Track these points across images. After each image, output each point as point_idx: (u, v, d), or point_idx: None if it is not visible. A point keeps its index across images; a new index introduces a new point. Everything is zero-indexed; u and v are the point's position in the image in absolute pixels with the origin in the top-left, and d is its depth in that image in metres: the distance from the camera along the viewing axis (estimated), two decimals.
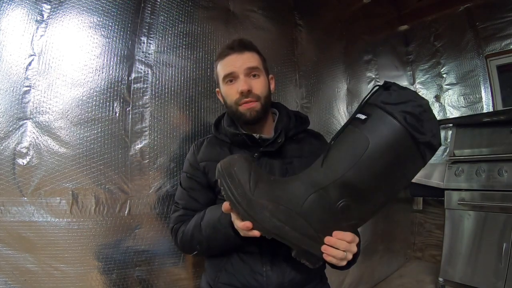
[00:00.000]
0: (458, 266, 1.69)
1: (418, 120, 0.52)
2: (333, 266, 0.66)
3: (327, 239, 0.58)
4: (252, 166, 0.60)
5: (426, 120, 0.53)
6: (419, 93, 1.49)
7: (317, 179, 0.58)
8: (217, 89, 0.85)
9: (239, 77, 0.76)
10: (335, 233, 0.58)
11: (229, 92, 0.78)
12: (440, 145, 0.56)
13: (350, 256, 0.60)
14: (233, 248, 0.72)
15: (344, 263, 0.61)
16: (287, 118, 0.83)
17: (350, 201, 0.56)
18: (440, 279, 1.75)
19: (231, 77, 0.77)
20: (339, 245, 0.58)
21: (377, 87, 0.59)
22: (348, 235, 0.58)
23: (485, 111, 2.07)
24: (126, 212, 0.90)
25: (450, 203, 1.76)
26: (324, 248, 0.58)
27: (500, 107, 2.02)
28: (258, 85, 0.77)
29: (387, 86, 0.57)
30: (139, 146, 0.94)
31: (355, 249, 0.60)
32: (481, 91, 2.11)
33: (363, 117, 0.56)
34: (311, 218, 0.57)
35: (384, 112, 0.54)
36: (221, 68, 0.78)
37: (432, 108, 0.56)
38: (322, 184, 0.57)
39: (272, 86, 0.84)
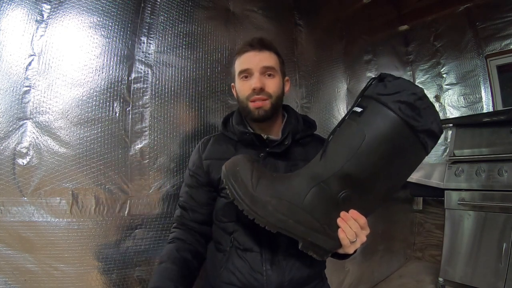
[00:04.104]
0: (458, 266, 1.69)
1: (414, 108, 0.52)
2: (334, 256, 0.67)
3: (342, 213, 0.59)
4: (254, 165, 0.62)
5: (422, 108, 0.53)
6: None
7: (317, 172, 0.59)
8: (232, 84, 0.87)
9: (253, 74, 0.77)
10: (351, 211, 0.59)
11: (242, 88, 0.79)
12: (442, 132, 0.56)
13: (358, 244, 0.61)
14: None
15: (351, 249, 0.62)
16: (296, 121, 0.84)
17: (351, 191, 0.57)
18: (440, 279, 1.75)
19: (246, 73, 0.78)
20: (351, 224, 0.58)
21: (372, 80, 0.59)
22: (362, 219, 0.59)
23: (485, 111, 2.07)
24: (126, 212, 0.90)
25: (450, 203, 1.76)
26: (339, 220, 0.59)
27: (500, 107, 2.02)
28: (272, 85, 0.78)
29: (382, 78, 0.57)
30: (139, 146, 0.94)
31: (364, 237, 0.61)
32: (481, 91, 2.11)
33: (359, 110, 0.57)
34: (314, 210, 0.58)
35: (379, 103, 0.54)
36: (238, 64, 0.80)
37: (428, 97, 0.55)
38: (322, 177, 0.58)
39: (287, 88, 0.85)
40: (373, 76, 0.59)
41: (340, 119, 0.61)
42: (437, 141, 0.57)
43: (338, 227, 0.60)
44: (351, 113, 0.59)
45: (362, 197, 0.59)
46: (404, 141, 0.54)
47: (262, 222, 0.58)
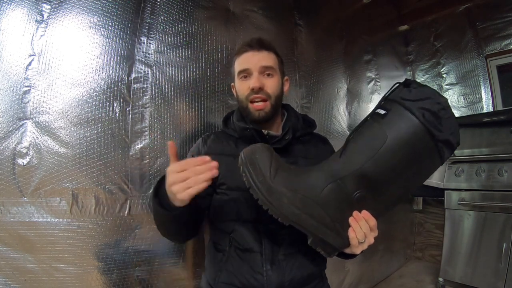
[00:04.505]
0: (458, 266, 1.69)
1: (437, 117, 0.53)
2: (340, 255, 0.67)
3: (355, 213, 0.60)
4: (273, 155, 0.62)
5: (445, 118, 0.54)
6: None
7: (335, 169, 0.59)
8: (232, 84, 0.88)
9: (252, 74, 0.77)
10: (363, 212, 0.59)
11: (241, 88, 0.80)
12: (458, 144, 0.57)
13: (366, 245, 0.61)
14: (176, 220, 0.66)
15: (358, 250, 0.62)
16: (295, 119, 0.84)
17: (366, 192, 0.58)
18: (440, 279, 1.75)
19: (245, 73, 0.79)
20: (362, 224, 0.59)
21: (397, 84, 0.60)
22: (373, 220, 0.60)
23: (485, 111, 2.07)
24: (126, 212, 0.90)
25: (450, 203, 1.76)
26: (351, 219, 0.59)
27: (500, 107, 2.02)
28: (271, 84, 0.78)
29: (407, 83, 0.59)
30: (139, 146, 0.94)
31: (372, 239, 0.61)
32: (481, 91, 2.11)
33: (382, 112, 0.58)
34: (328, 207, 0.59)
35: (403, 108, 0.55)
36: (237, 64, 0.81)
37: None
38: (340, 175, 0.58)
39: (286, 88, 0.86)
40: (398, 81, 0.60)
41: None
42: (453, 152, 0.58)
43: (349, 226, 0.60)
44: (373, 115, 0.59)
45: (376, 199, 0.59)
46: (423, 148, 0.55)
47: (275, 213, 0.58)
